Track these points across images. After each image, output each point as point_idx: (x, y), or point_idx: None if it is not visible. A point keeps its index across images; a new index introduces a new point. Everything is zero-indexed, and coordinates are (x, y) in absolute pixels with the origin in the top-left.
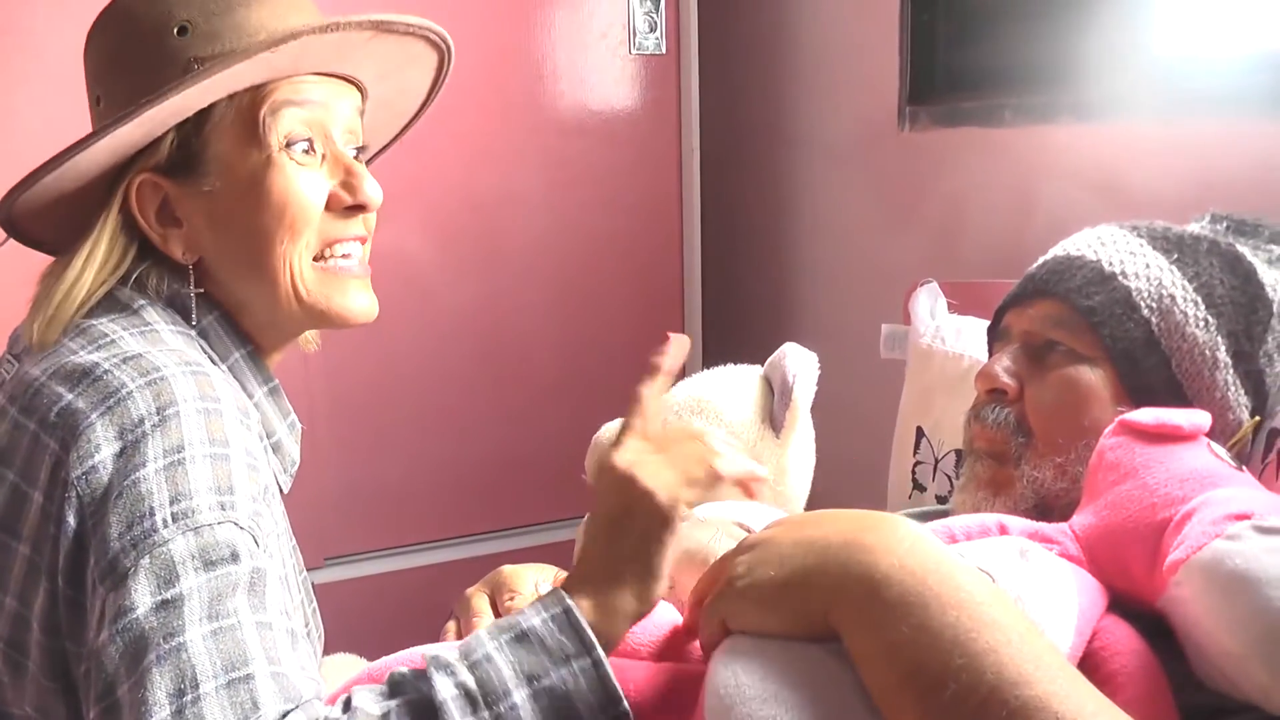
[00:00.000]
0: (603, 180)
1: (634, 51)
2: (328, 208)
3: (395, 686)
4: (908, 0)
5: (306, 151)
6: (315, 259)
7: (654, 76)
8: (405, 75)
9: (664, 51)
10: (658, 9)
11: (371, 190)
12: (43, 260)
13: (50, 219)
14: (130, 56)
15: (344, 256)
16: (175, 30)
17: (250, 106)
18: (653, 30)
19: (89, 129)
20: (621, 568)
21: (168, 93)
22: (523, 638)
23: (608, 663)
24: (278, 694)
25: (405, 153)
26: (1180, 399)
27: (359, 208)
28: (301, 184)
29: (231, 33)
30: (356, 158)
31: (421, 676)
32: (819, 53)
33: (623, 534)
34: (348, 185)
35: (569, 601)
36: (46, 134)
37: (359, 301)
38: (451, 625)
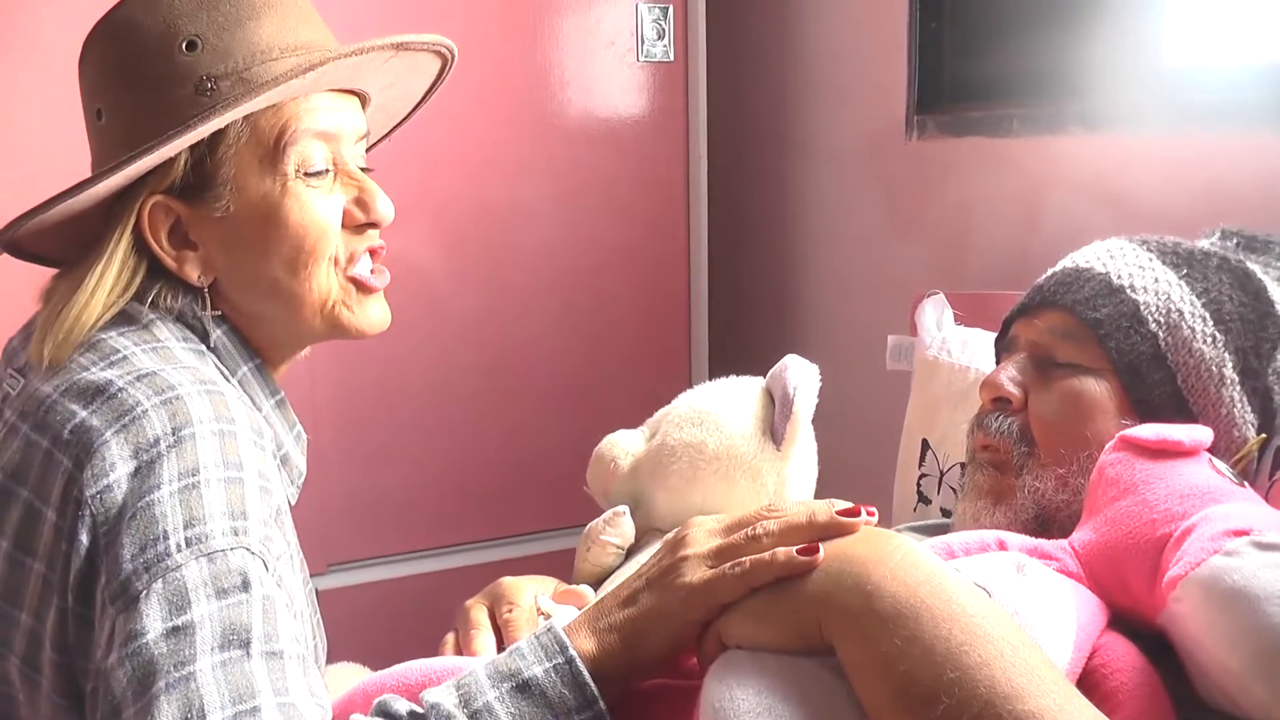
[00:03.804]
0: (609, 188)
1: (642, 59)
2: (342, 225)
3: None
4: (916, 9)
5: (319, 174)
6: (339, 268)
7: (661, 84)
8: (408, 82)
9: (672, 59)
10: (666, 17)
11: (384, 207)
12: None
13: (51, 236)
14: (136, 70)
15: (368, 257)
16: (183, 45)
17: (266, 130)
18: (660, 38)
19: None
20: (639, 620)
21: (196, 123)
22: (524, 688)
23: (609, 717)
24: None
25: (412, 160)
26: (1186, 414)
27: (372, 225)
28: (317, 210)
29: (243, 49)
30: (366, 161)
31: None
32: (826, 61)
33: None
34: (360, 203)
35: (572, 651)
36: (48, 137)
37: (377, 314)
38: (450, 637)
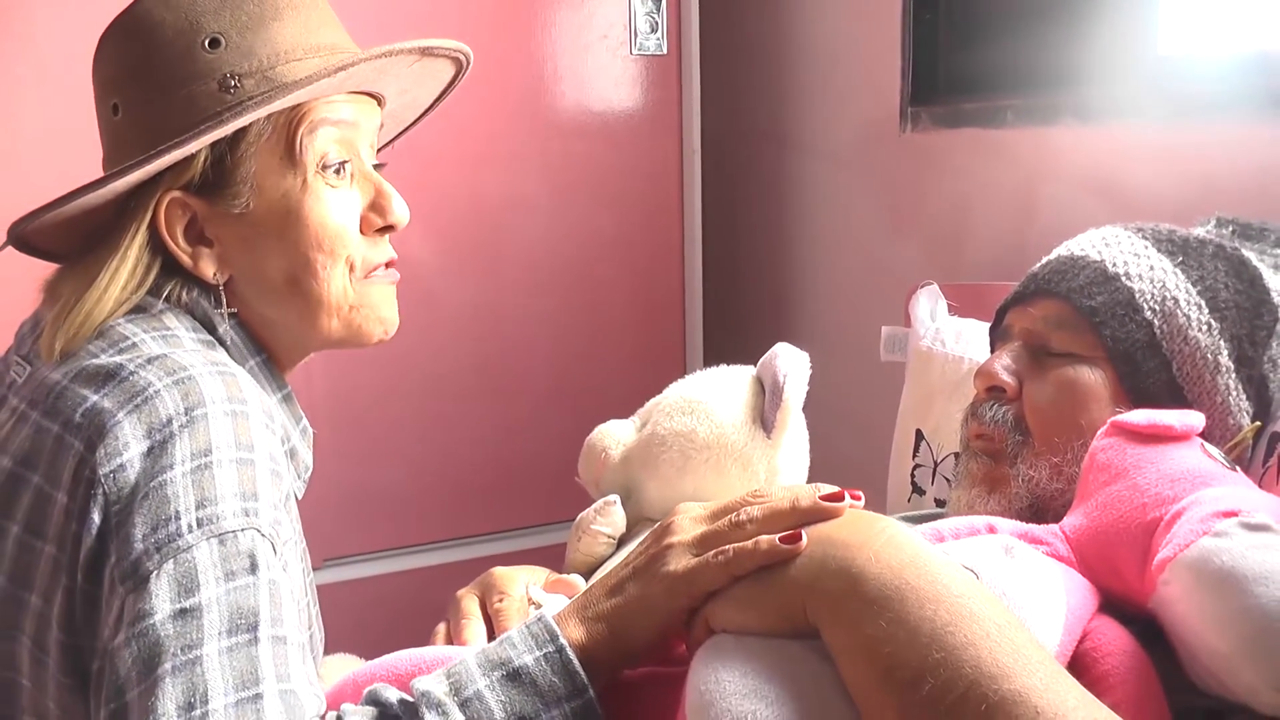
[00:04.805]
0: (603, 182)
1: (635, 52)
2: (360, 230)
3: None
4: (909, 1)
5: (338, 172)
6: (354, 274)
7: (655, 77)
8: (420, 88)
9: (665, 52)
10: (659, 9)
11: (400, 210)
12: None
13: (56, 231)
14: (156, 66)
15: (383, 266)
16: (205, 42)
17: (287, 125)
18: (654, 31)
19: (94, 133)
20: (625, 610)
21: (229, 118)
22: (514, 676)
23: (598, 705)
24: (283, 714)
25: (406, 155)
26: (1181, 402)
27: (390, 227)
28: (336, 210)
29: (266, 49)
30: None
31: (411, 712)
32: (820, 54)
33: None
34: (378, 206)
35: (562, 640)
36: (49, 136)
37: (389, 315)
38: (441, 627)
